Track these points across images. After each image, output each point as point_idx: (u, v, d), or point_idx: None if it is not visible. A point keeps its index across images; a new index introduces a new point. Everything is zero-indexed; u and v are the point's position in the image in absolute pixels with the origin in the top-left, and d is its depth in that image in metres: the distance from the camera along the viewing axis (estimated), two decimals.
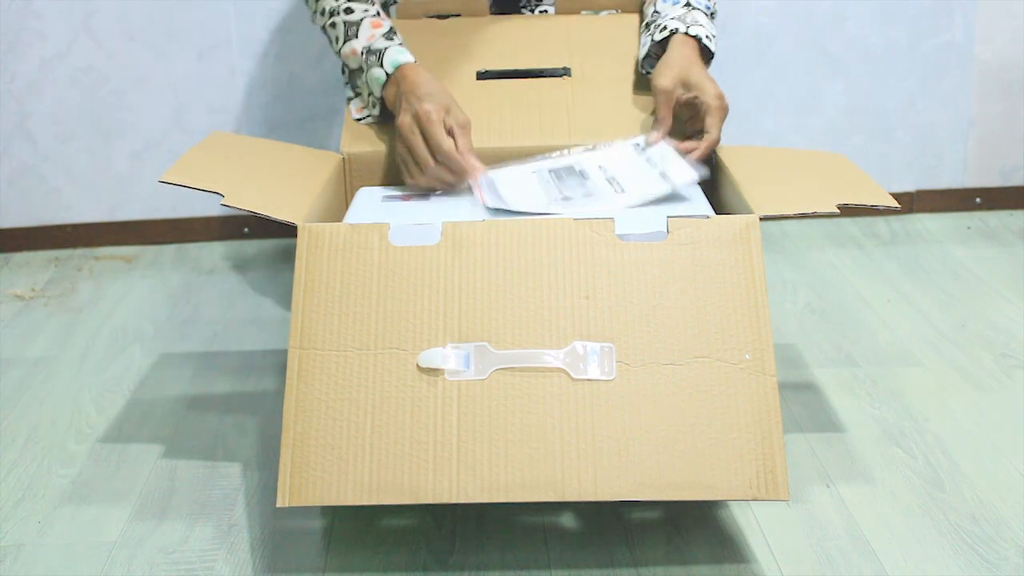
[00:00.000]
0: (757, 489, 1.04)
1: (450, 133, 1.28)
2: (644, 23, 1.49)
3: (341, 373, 1.09)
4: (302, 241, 1.14)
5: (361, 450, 1.06)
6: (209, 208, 2.09)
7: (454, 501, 1.04)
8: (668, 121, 1.35)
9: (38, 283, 1.93)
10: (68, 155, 2.05)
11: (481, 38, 1.52)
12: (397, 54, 1.37)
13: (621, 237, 1.13)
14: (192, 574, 1.14)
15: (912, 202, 2.14)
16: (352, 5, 1.41)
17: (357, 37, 1.39)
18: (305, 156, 1.36)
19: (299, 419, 1.07)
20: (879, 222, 2.09)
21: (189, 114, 2.04)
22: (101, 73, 2.01)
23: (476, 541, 1.18)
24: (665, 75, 1.35)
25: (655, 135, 1.35)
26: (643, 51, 1.44)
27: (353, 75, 1.44)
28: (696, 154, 1.32)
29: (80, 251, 2.08)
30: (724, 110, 1.33)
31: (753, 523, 1.20)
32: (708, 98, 1.32)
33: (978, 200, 2.14)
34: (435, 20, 1.56)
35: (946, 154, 2.13)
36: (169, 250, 2.07)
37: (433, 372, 1.08)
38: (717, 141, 1.33)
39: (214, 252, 2.05)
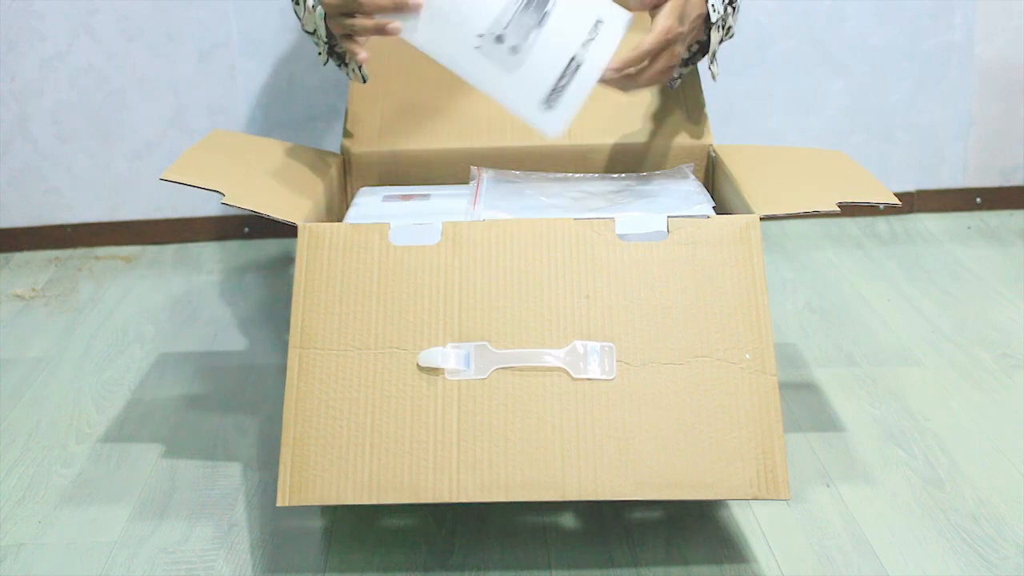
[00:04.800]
0: (757, 488, 1.04)
1: None
2: None
3: (341, 373, 1.09)
4: (302, 241, 1.14)
5: (361, 450, 1.06)
6: (209, 208, 2.09)
7: (454, 500, 1.04)
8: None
9: (38, 283, 1.93)
10: (68, 155, 2.05)
11: None
12: None
13: (621, 237, 1.13)
14: (192, 574, 1.14)
15: (912, 202, 2.14)
16: None
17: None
18: (305, 156, 1.36)
19: (299, 419, 1.07)
20: (879, 222, 2.09)
21: (189, 114, 2.04)
22: (101, 73, 2.01)
23: (476, 541, 1.18)
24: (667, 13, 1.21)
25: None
26: None
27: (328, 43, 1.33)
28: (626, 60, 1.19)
29: (80, 251, 2.08)
30: (664, 36, 1.19)
31: (753, 523, 1.20)
32: (657, 23, 1.19)
33: (978, 200, 2.14)
34: None
35: (946, 154, 2.13)
36: (169, 250, 2.07)
37: (433, 372, 1.08)
38: (641, 50, 1.18)
39: (214, 252, 2.05)
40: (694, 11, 1.24)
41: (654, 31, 1.19)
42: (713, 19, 1.28)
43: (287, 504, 1.05)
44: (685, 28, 1.22)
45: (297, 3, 1.40)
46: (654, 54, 1.20)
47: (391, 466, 1.05)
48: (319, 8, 1.27)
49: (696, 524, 1.19)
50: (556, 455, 1.05)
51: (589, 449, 1.05)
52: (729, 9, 1.32)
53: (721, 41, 1.34)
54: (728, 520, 1.20)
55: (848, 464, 1.30)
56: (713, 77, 1.36)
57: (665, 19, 1.20)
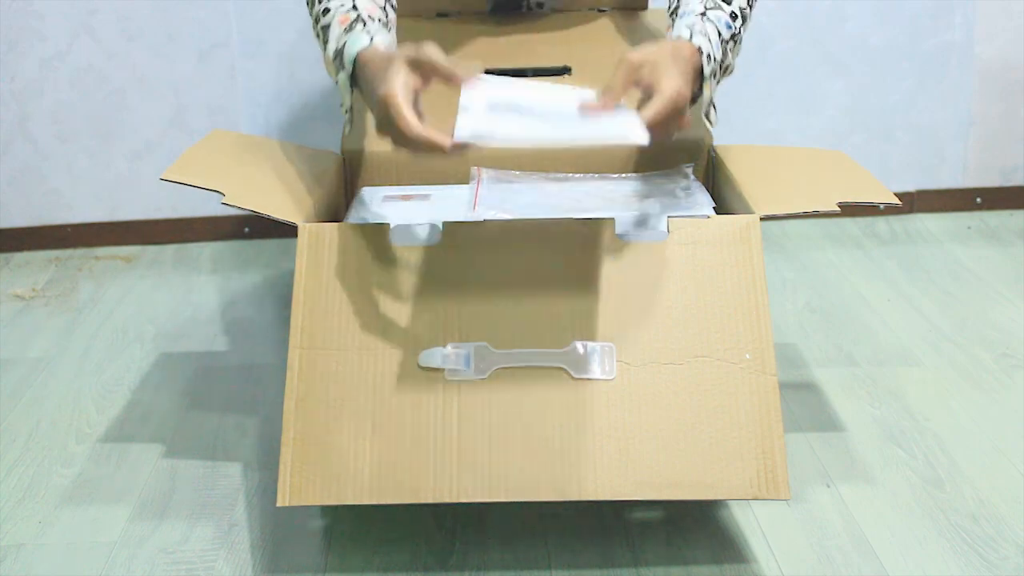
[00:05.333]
0: (758, 488, 1.04)
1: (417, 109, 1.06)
2: (669, 10, 1.29)
3: (341, 373, 1.08)
4: (302, 241, 1.13)
5: (361, 450, 1.06)
6: (209, 208, 2.09)
7: (454, 501, 1.04)
8: (619, 93, 1.06)
9: (38, 283, 1.93)
10: (68, 155, 2.05)
11: (481, 37, 1.52)
12: (353, 44, 1.13)
13: (621, 237, 1.13)
14: (192, 574, 1.14)
15: (912, 202, 2.14)
16: (330, 4, 1.18)
17: (328, 42, 1.17)
18: (305, 156, 1.36)
19: (299, 419, 1.07)
20: (879, 222, 2.09)
21: (189, 114, 2.04)
22: (101, 73, 2.01)
23: (476, 541, 1.18)
24: (640, 50, 1.08)
25: (595, 102, 1.06)
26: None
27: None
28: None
29: (80, 251, 2.08)
30: (674, 103, 1.04)
31: (753, 523, 1.19)
32: (664, 87, 1.05)
33: (978, 200, 2.14)
34: (435, 20, 1.56)
35: (946, 154, 2.13)
36: (169, 250, 2.07)
37: (433, 372, 1.08)
38: (649, 120, 1.04)
39: (214, 252, 2.05)
40: (688, 66, 1.11)
41: (663, 94, 1.04)
42: (706, 72, 1.14)
43: (287, 504, 1.05)
44: (689, 91, 1.09)
45: (318, 36, 1.23)
46: (663, 120, 1.04)
47: (391, 466, 1.05)
48: (342, 74, 1.15)
49: (696, 524, 1.19)
50: (556, 455, 1.05)
51: (589, 449, 1.05)
52: (729, 44, 1.19)
53: (719, 81, 1.21)
54: (728, 520, 1.20)
55: (848, 464, 1.30)
56: (711, 125, 1.23)
57: (673, 80, 1.05)
